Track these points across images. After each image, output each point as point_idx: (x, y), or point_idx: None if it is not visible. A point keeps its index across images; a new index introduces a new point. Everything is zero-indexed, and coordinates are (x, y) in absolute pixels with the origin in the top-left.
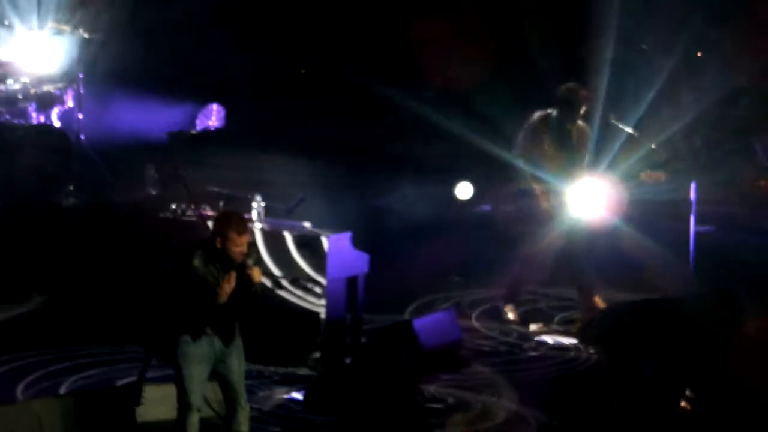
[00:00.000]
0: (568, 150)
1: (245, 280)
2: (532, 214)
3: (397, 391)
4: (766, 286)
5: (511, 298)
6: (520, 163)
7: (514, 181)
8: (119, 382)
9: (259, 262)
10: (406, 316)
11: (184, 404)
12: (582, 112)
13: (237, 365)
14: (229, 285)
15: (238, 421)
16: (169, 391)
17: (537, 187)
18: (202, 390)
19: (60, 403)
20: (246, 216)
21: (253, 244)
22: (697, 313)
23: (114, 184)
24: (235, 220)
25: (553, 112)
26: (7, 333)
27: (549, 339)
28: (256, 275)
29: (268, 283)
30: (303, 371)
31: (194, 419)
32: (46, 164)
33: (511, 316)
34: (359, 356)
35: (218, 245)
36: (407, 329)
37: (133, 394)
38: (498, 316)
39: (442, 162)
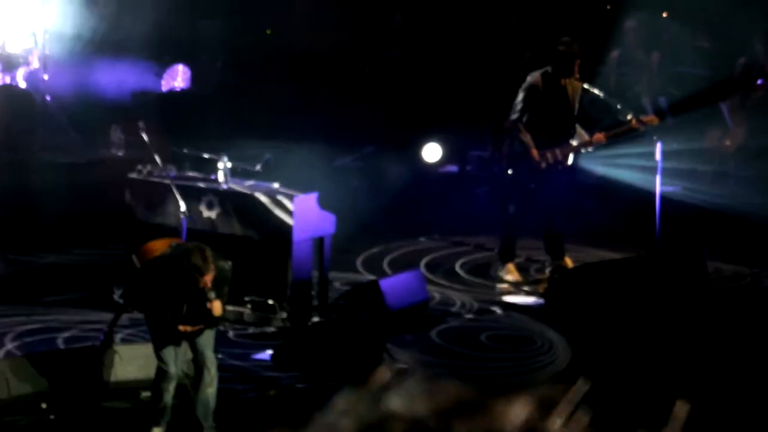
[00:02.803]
0: (563, 106)
1: (206, 308)
2: (524, 171)
3: (363, 351)
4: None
5: (509, 258)
6: (518, 124)
7: (510, 140)
8: (89, 343)
9: (223, 296)
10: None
11: (163, 373)
12: (577, 65)
13: (206, 331)
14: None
15: (205, 382)
16: (140, 351)
17: (531, 145)
18: (180, 360)
19: (28, 363)
20: (208, 251)
21: (224, 280)
22: (664, 271)
23: (80, 144)
24: (196, 260)
25: (548, 69)
26: None
27: (516, 299)
28: (216, 309)
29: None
30: (270, 331)
31: (171, 386)
32: (12, 125)
33: (510, 277)
34: (326, 316)
35: (182, 269)
36: (374, 289)
37: (102, 350)
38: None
39: (410, 122)
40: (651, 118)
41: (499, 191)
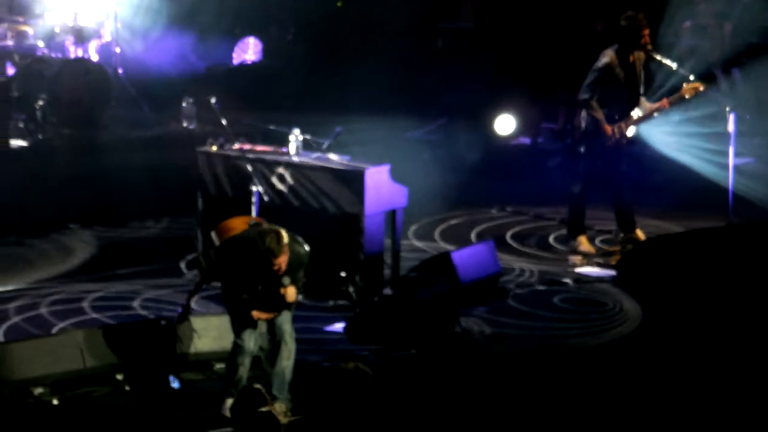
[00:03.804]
0: (632, 81)
1: (280, 294)
2: (594, 148)
3: (435, 324)
4: None
5: (578, 231)
6: (590, 102)
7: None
8: (162, 314)
9: (298, 281)
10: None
11: (239, 348)
12: (643, 39)
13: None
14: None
15: (282, 355)
16: (214, 323)
17: (604, 121)
18: (256, 335)
19: (100, 333)
20: (282, 235)
21: (300, 265)
22: (739, 243)
23: (151, 117)
24: (270, 242)
25: (618, 45)
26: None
27: (589, 271)
28: (290, 296)
29: None
30: (344, 304)
31: (247, 360)
32: (84, 98)
33: (583, 249)
34: (398, 289)
35: (258, 253)
36: (446, 262)
37: (180, 322)
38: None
39: (483, 94)
40: (695, 85)
41: (570, 166)
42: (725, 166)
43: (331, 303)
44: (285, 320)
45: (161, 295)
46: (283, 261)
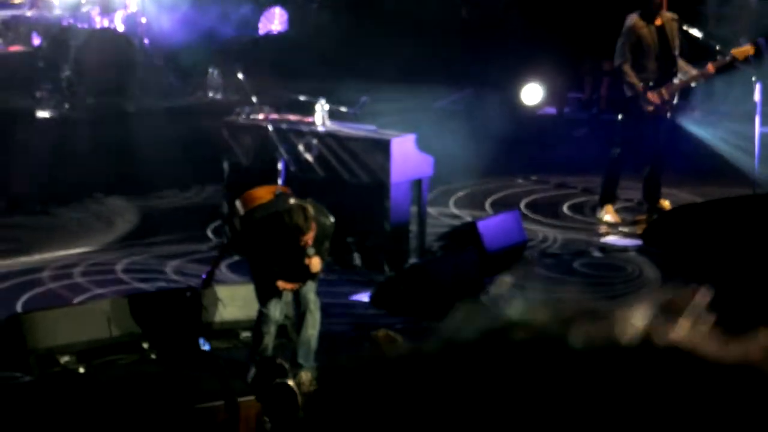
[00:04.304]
0: (663, 46)
1: (304, 265)
2: (632, 115)
3: (461, 292)
4: None
5: (609, 200)
6: (623, 67)
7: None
8: (189, 283)
9: (323, 252)
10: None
11: (264, 317)
12: (654, 1)
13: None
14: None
15: (307, 324)
16: (239, 291)
17: (640, 86)
18: (281, 304)
19: (127, 302)
20: (309, 210)
21: (325, 237)
22: (765, 213)
23: (178, 87)
24: (297, 220)
25: (639, 11)
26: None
27: (615, 240)
28: (314, 266)
29: None
30: (370, 273)
31: (272, 329)
32: (110, 68)
33: (610, 218)
34: (424, 258)
35: (286, 224)
36: (472, 231)
37: (203, 290)
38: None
39: (509, 64)
40: (745, 48)
41: (605, 134)
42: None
43: (357, 272)
44: (309, 289)
45: (187, 264)
46: (309, 237)
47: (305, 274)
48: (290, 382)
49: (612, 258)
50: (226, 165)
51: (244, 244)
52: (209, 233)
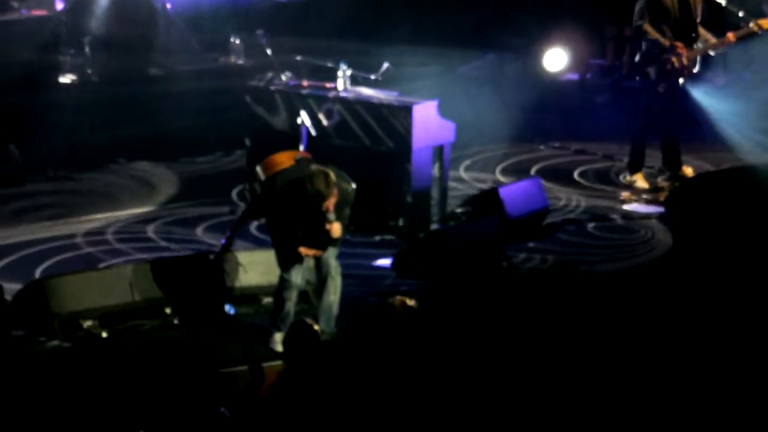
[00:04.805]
0: (684, 11)
1: (325, 230)
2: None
3: (483, 258)
4: None
5: (638, 166)
6: (643, 27)
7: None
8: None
9: (344, 218)
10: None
11: (286, 282)
12: None
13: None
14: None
15: (329, 290)
16: (261, 257)
17: (663, 40)
18: (303, 270)
19: (150, 268)
20: (331, 175)
21: (346, 202)
22: None
23: (199, 52)
24: (320, 184)
25: None
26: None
27: (637, 207)
28: (335, 232)
29: None
30: (391, 239)
31: (294, 295)
32: (132, 33)
33: (639, 184)
34: (445, 223)
35: (307, 190)
36: (494, 197)
37: (223, 251)
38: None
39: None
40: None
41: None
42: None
43: (378, 238)
44: (331, 255)
45: (211, 228)
46: (331, 203)
47: (326, 240)
48: (315, 326)
49: (629, 222)
50: (247, 131)
51: (265, 209)
52: (234, 196)
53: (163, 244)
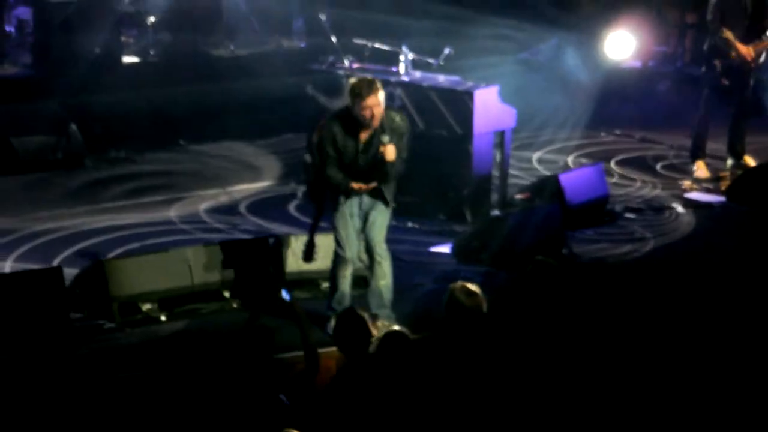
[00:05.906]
0: (755, 5)
1: (380, 154)
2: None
3: (542, 245)
4: None
5: (699, 155)
6: (715, 23)
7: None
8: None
9: (400, 148)
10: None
11: (339, 258)
12: None
13: (377, 219)
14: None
15: (377, 275)
16: (321, 242)
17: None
18: (355, 245)
19: (209, 251)
20: (377, 81)
21: (398, 129)
22: None
23: (261, 34)
24: (360, 83)
25: None
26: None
27: (698, 196)
28: (389, 153)
29: None
30: (451, 225)
31: (348, 272)
32: (195, 14)
33: (700, 173)
34: (506, 210)
35: (352, 112)
36: (554, 184)
37: (306, 258)
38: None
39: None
40: None
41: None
42: None
43: (438, 223)
44: (379, 238)
45: (270, 211)
46: (372, 104)
47: (380, 172)
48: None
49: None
50: (309, 113)
51: (316, 152)
52: (293, 182)
53: (215, 227)
